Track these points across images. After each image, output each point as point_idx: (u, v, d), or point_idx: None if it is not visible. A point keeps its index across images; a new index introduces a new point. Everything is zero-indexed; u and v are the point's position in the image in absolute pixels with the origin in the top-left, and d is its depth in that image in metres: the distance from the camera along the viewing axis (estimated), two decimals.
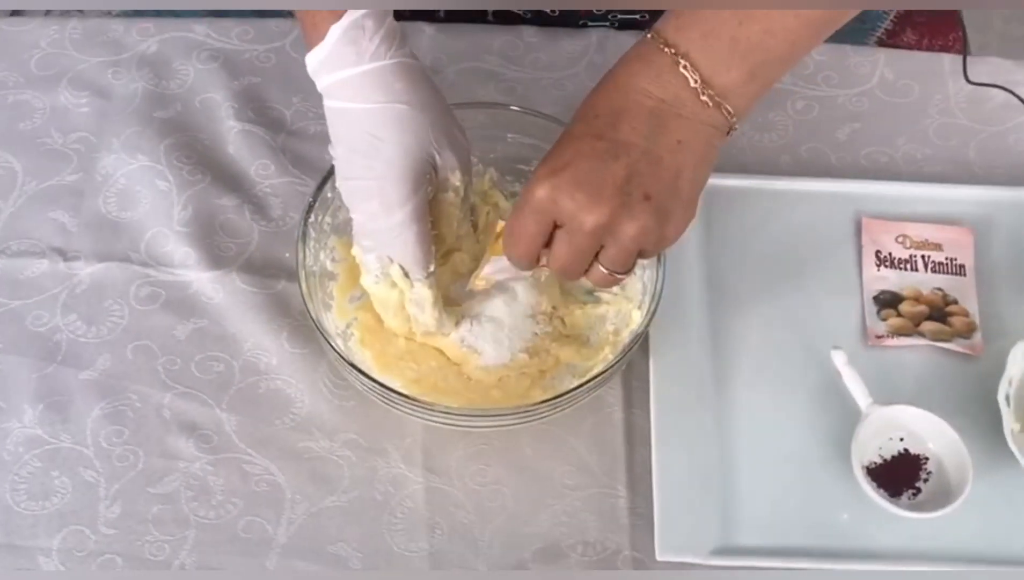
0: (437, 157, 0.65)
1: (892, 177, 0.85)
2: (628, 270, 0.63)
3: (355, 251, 0.69)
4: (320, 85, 0.63)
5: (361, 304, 0.73)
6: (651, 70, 0.60)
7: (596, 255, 0.63)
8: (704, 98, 0.60)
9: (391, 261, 0.67)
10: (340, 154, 0.64)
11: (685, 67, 0.59)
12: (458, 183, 0.68)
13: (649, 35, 0.61)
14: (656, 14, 0.63)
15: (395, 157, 0.63)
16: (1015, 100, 0.89)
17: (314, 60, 0.62)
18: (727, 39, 0.60)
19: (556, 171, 0.59)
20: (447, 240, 0.69)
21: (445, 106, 0.66)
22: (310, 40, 0.63)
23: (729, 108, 0.61)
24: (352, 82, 0.62)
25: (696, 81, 0.59)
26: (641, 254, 0.62)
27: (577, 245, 0.61)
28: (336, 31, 0.61)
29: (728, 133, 0.62)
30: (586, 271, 0.64)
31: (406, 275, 0.67)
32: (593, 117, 0.60)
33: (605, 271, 0.63)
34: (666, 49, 0.60)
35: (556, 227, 0.61)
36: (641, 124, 0.59)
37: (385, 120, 0.62)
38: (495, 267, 0.72)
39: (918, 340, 0.76)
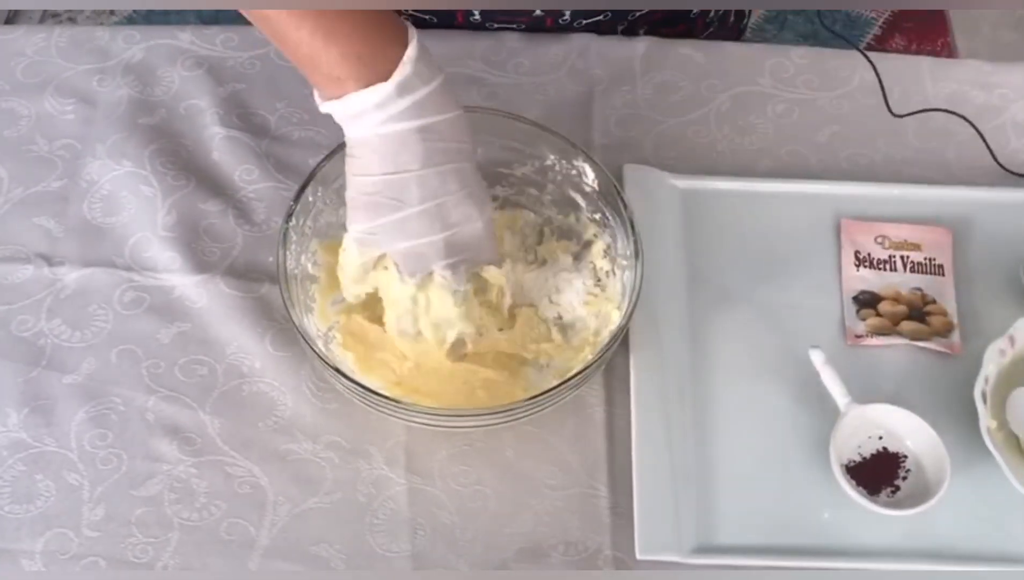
0: None
1: (872, 178, 0.85)
2: None
3: (412, 288, 0.68)
4: (387, 113, 0.62)
5: (343, 307, 0.74)
6: None
7: None
8: None
9: (475, 266, 0.69)
10: (407, 178, 0.64)
11: None
12: None
13: None
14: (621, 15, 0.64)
15: (473, 156, 0.67)
16: (993, 102, 0.90)
17: (389, 88, 0.62)
18: None
19: None
20: None
21: None
22: (369, 76, 0.62)
23: None
24: (436, 94, 0.64)
25: None
26: None
27: None
28: (412, 52, 0.62)
29: None
30: None
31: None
32: None
33: None
34: None
35: None
36: None
37: (464, 125, 0.66)
38: None
39: (897, 339, 0.77)
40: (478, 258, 0.69)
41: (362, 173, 0.65)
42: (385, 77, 0.62)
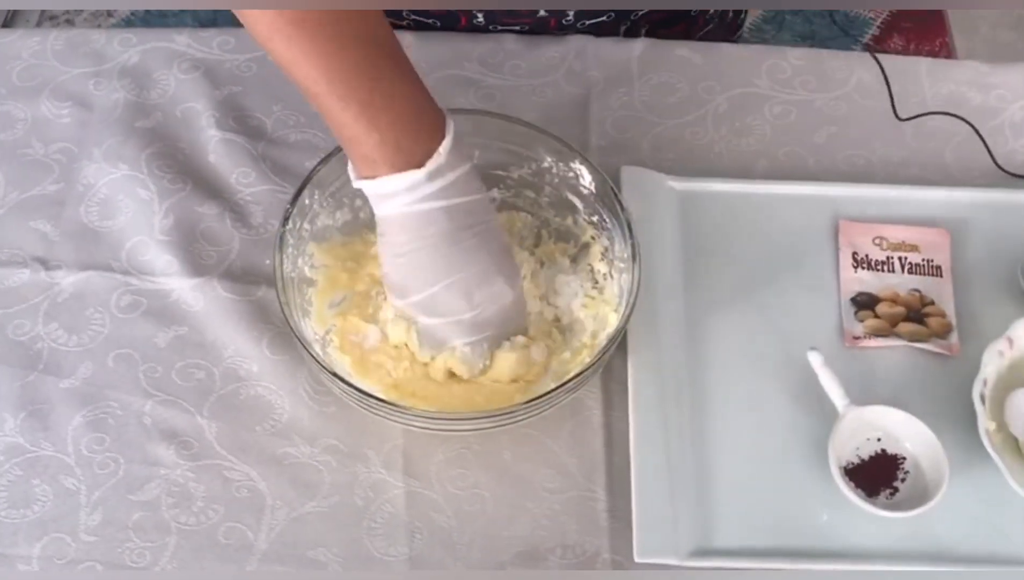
0: None
1: (869, 180, 0.85)
2: None
3: (431, 357, 0.70)
4: (415, 195, 0.65)
5: (340, 310, 0.74)
6: None
7: None
8: None
9: (499, 341, 0.70)
10: (432, 254, 0.66)
11: None
12: None
13: None
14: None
15: (503, 234, 0.70)
16: (991, 103, 0.90)
17: (420, 175, 0.64)
18: None
19: None
20: None
21: None
22: (403, 163, 0.64)
23: None
24: (463, 179, 0.66)
25: None
26: None
27: None
28: (447, 144, 0.65)
29: None
30: None
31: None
32: None
33: None
34: None
35: None
36: None
37: (489, 206, 0.69)
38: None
39: (895, 341, 0.77)
40: (503, 333, 0.71)
41: (391, 251, 0.68)
42: (419, 164, 0.64)
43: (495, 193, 0.79)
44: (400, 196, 0.65)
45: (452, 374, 0.71)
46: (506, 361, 0.71)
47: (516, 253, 0.76)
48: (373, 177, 0.65)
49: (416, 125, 0.65)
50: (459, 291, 0.67)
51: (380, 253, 0.69)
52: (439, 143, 0.65)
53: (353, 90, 0.63)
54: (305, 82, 0.64)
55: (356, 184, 0.67)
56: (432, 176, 0.65)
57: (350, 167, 0.68)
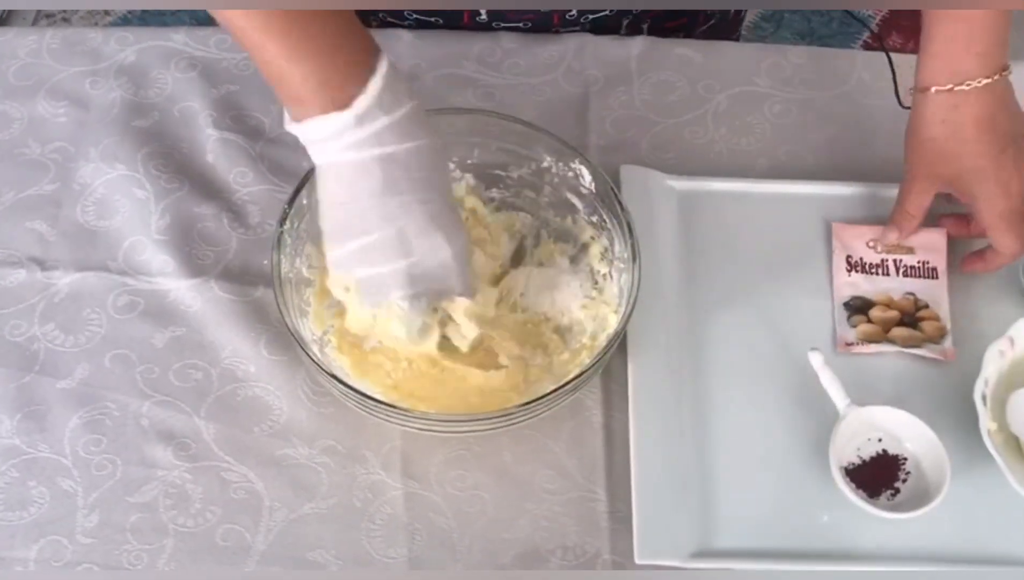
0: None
1: (871, 179, 0.85)
2: None
3: (369, 315, 0.67)
4: (346, 141, 0.61)
5: (338, 310, 0.73)
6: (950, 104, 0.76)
7: None
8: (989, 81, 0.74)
9: (440, 297, 0.68)
10: (367, 205, 0.63)
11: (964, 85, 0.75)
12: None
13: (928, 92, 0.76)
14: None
15: (446, 186, 0.67)
16: None
17: (347, 118, 0.60)
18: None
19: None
20: None
21: None
22: (330, 103, 0.60)
23: (1004, 65, 0.75)
24: (401, 124, 0.62)
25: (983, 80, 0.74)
26: None
27: None
28: (377, 82, 0.61)
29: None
30: None
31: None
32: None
33: None
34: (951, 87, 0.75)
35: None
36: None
37: (433, 153, 0.64)
38: None
39: (888, 347, 0.76)
40: (444, 290, 0.68)
41: (326, 199, 0.65)
42: (347, 104, 0.60)
43: (494, 193, 0.78)
44: (329, 142, 0.61)
45: (437, 359, 0.71)
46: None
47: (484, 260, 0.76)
48: (302, 120, 0.62)
49: (343, 59, 0.60)
50: (395, 241, 0.64)
51: (318, 200, 0.66)
52: (369, 79, 0.60)
53: (272, 22, 0.60)
54: (232, 28, 0.61)
55: (288, 128, 0.63)
56: (361, 120, 0.60)
57: (285, 114, 0.63)
